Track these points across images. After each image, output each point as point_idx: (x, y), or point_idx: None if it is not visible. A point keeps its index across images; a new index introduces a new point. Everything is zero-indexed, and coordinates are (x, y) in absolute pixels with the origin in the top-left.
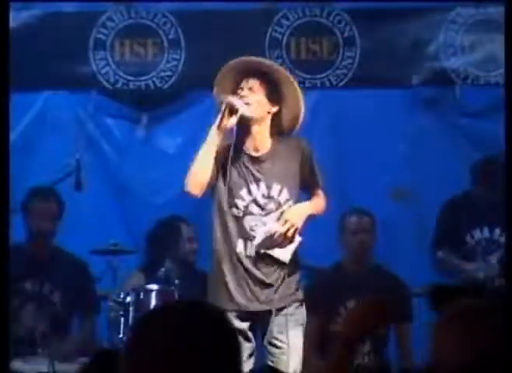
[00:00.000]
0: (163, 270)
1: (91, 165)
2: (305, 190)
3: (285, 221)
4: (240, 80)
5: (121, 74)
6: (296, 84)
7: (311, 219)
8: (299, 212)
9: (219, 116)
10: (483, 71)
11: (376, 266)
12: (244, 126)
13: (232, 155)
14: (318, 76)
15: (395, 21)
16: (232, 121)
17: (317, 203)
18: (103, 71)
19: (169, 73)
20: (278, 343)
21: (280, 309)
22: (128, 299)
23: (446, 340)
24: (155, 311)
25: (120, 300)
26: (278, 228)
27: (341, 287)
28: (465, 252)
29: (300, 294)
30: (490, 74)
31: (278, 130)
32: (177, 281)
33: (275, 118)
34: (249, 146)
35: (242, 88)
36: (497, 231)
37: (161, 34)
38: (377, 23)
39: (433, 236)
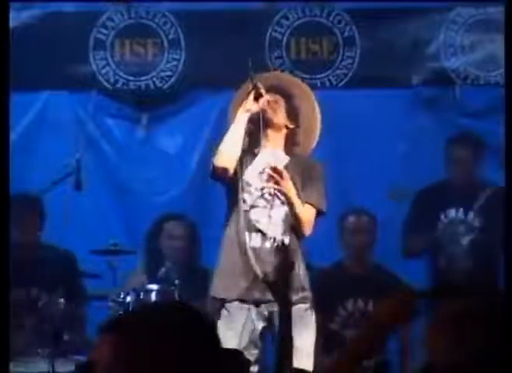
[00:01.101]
0: (163, 270)
1: (91, 165)
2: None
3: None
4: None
5: (121, 74)
6: (315, 104)
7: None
8: (293, 193)
9: (246, 100)
10: (483, 71)
11: (376, 265)
12: (262, 128)
13: (247, 151)
14: (318, 76)
15: (395, 21)
16: (256, 106)
17: (307, 212)
18: (103, 71)
19: (169, 73)
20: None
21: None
22: (128, 299)
23: (438, 340)
24: (136, 313)
25: (120, 300)
26: (269, 169)
27: (341, 286)
28: (437, 232)
29: (309, 296)
30: (490, 74)
31: (292, 145)
32: (176, 281)
33: (291, 134)
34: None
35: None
36: (471, 214)
37: (161, 34)
38: (377, 23)
39: (406, 219)
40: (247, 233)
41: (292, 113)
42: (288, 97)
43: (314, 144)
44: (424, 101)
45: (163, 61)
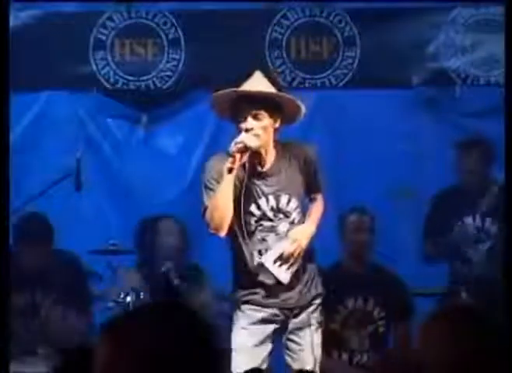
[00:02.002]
0: (163, 269)
1: (91, 165)
2: (306, 193)
3: (294, 241)
4: (237, 107)
5: (121, 74)
6: (292, 97)
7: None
8: (307, 233)
9: (231, 160)
10: (483, 71)
11: (375, 265)
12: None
13: (245, 179)
14: (318, 76)
15: (395, 21)
16: (244, 159)
17: (317, 214)
18: (103, 71)
19: (169, 73)
20: (298, 340)
21: (303, 307)
22: (128, 299)
23: (431, 339)
24: (134, 313)
25: (120, 300)
26: (288, 248)
27: (340, 286)
28: (455, 239)
29: (322, 292)
30: (490, 74)
31: (277, 135)
32: (176, 281)
33: (277, 128)
34: (255, 163)
35: (245, 118)
36: (488, 220)
37: (161, 34)
38: (377, 23)
39: (424, 225)
40: (255, 252)
41: (276, 112)
42: (268, 102)
43: (301, 116)
44: (424, 101)
45: (162, 61)
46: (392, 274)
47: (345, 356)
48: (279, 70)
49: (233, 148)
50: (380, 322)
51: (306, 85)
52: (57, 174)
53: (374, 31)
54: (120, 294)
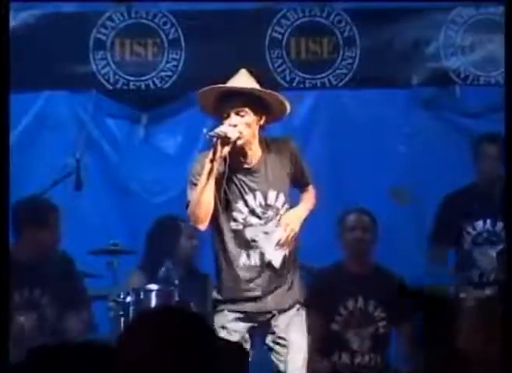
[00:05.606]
0: (163, 269)
1: (91, 165)
2: (296, 187)
3: (286, 226)
4: (220, 104)
5: (121, 74)
6: (275, 93)
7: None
8: (298, 216)
9: (212, 151)
10: (483, 71)
11: (375, 265)
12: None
13: (225, 172)
14: (318, 76)
15: (395, 21)
16: (225, 151)
17: (308, 202)
18: (103, 71)
19: (169, 73)
20: (284, 342)
21: (283, 311)
22: (128, 299)
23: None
24: (145, 316)
25: (120, 300)
26: (282, 234)
27: (341, 286)
28: (466, 244)
29: (301, 297)
30: (490, 74)
31: (267, 124)
32: (176, 281)
33: (263, 124)
34: (240, 160)
35: (229, 114)
36: (500, 224)
37: (161, 34)
38: (377, 23)
39: (433, 228)
40: (243, 253)
41: (260, 108)
42: (250, 98)
43: (287, 112)
44: (424, 101)
45: (163, 61)
46: (393, 275)
47: (345, 357)
48: (279, 70)
49: (212, 132)
50: (381, 322)
51: (307, 85)
52: (57, 174)
53: (374, 31)
54: (120, 294)
